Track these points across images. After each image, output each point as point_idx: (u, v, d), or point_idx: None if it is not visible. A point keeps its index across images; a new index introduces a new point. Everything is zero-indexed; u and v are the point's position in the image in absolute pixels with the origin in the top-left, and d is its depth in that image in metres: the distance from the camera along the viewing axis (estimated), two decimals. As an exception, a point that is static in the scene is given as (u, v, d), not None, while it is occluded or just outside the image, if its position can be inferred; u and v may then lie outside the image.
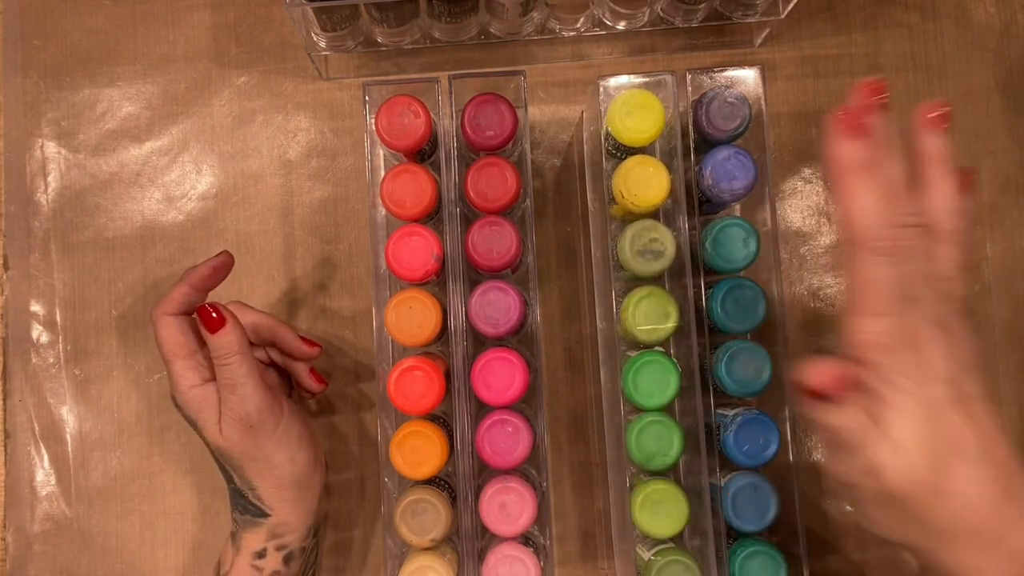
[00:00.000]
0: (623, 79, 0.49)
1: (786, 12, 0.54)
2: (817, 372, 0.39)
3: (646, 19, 0.55)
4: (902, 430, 0.36)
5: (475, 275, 0.50)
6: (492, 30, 0.56)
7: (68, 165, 0.57)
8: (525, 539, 0.49)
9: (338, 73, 0.58)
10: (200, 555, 0.55)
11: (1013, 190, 0.58)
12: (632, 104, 0.47)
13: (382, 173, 0.50)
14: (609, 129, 0.48)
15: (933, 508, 0.36)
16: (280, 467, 0.47)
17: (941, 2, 0.59)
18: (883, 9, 0.59)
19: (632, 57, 0.58)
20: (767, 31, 0.57)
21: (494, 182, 0.48)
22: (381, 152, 0.51)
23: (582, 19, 0.56)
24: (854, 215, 0.37)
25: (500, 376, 0.47)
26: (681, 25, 0.56)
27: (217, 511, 0.56)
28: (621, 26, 0.56)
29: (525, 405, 0.50)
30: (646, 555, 0.49)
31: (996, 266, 0.58)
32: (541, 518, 0.48)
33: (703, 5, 0.54)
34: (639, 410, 0.48)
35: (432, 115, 0.48)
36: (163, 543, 0.56)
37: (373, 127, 0.49)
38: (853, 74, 0.58)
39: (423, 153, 0.50)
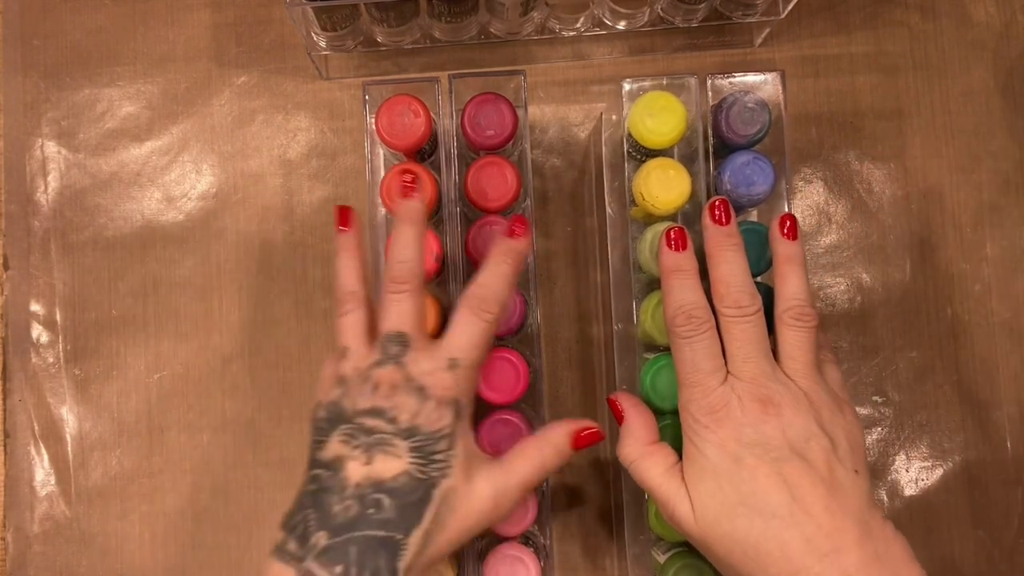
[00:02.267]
0: (646, 81, 0.49)
1: (786, 12, 0.54)
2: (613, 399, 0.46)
3: (646, 19, 0.55)
4: (698, 486, 0.41)
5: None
6: (492, 30, 0.56)
7: (68, 165, 0.57)
8: (525, 539, 0.49)
9: (338, 73, 0.58)
10: (200, 555, 0.55)
11: (1013, 190, 0.58)
12: (655, 106, 0.47)
13: (382, 173, 0.50)
14: (630, 131, 0.48)
15: (732, 553, 0.40)
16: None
17: (941, 2, 0.59)
18: (883, 9, 0.59)
19: (632, 57, 0.58)
20: (767, 31, 0.57)
21: (494, 181, 0.47)
22: (381, 152, 0.51)
23: (582, 19, 0.56)
24: (665, 305, 0.44)
25: (501, 376, 0.46)
26: (681, 25, 0.56)
27: (217, 511, 0.56)
28: (621, 26, 0.56)
29: (525, 405, 0.50)
30: (661, 558, 0.49)
31: (996, 266, 0.58)
32: (541, 518, 0.48)
33: (703, 5, 0.54)
34: (656, 413, 0.48)
35: (432, 115, 0.48)
36: (163, 543, 0.56)
37: (373, 127, 0.49)
38: (853, 74, 0.58)
39: (423, 153, 0.49)
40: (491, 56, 0.58)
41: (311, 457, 0.41)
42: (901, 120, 0.58)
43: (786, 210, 0.49)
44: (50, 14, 0.58)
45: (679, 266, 0.44)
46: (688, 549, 0.49)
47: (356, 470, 0.39)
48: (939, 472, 0.57)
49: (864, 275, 0.58)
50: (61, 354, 0.56)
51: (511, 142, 0.48)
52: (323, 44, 0.55)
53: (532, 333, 0.50)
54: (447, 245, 0.48)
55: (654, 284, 0.50)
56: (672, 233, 0.45)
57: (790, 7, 0.53)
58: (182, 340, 0.56)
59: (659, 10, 0.55)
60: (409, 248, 0.43)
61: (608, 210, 0.53)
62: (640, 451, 0.44)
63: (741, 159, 0.48)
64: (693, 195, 0.47)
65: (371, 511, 0.38)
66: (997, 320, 0.57)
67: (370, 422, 0.40)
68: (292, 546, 0.38)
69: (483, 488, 0.41)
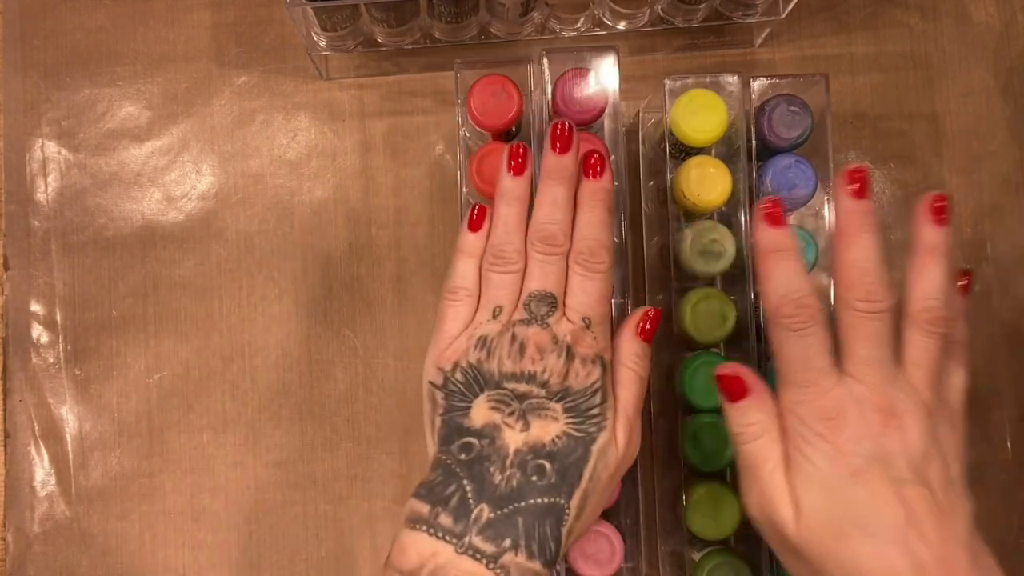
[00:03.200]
0: (689, 79, 0.49)
1: (786, 12, 0.54)
2: (729, 369, 0.40)
3: (646, 19, 0.55)
4: (804, 494, 0.37)
5: None
6: (492, 30, 0.56)
7: (68, 165, 0.57)
8: (606, 516, 0.48)
9: (338, 73, 0.58)
10: (200, 555, 0.55)
11: (1013, 190, 0.58)
12: (697, 103, 0.47)
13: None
14: (672, 129, 0.48)
15: (830, 570, 0.36)
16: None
17: (941, 2, 0.59)
18: (883, 9, 0.59)
19: (632, 57, 0.58)
20: (767, 31, 0.57)
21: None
22: (462, 134, 0.51)
23: (582, 19, 0.56)
24: (766, 292, 0.39)
25: None
26: (681, 25, 0.56)
27: (217, 511, 0.56)
28: (621, 26, 0.56)
29: None
30: (696, 556, 0.49)
31: (996, 266, 0.58)
32: (625, 497, 0.47)
33: (703, 5, 0.54)
34: (694, 411, 0.48)
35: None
36: (163, 543, 0.56)
37: (464, 109, 0.48)
38: (853, 74, 0.58)
39: (509, 133, 0.50)
40: (491, 57, 0.58)
41: (453, 424, 0.39)
42: (901, 120, 0.58)
43: (828, 216, 0.48)
44: (50, 14, 0.58)
45: (780, 245, 0.38)
46: (722, 547, 0.49)
47: (513, 437, 0.38)
48: (939, 472, 0.57)
49: (864, 275, 0.57)
50: (61, 354, 0.56)
51: (600, 118, 0.48)
52: (323, 44, 0.55)
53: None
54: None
55: (691, 283, 0.50)
56: (769, 206, 0.39)
57: (790, 7, 0.53)
58: (182, 340, 0.56)
59: (659, 10, 0.55)
60: (560, 210, 0.41)
61: (644, 207, 0.53)
62: (773, 426, 0.39)
63: (783, 162, 0.48)
64: (733, 194, 0.47)
65: (534, 478, 0.37)
66: (997, 320, 0.57)
67: (521, 387, 0.38)
68: (446, 520, 0.36)
69: (619, 435, 0.39)
